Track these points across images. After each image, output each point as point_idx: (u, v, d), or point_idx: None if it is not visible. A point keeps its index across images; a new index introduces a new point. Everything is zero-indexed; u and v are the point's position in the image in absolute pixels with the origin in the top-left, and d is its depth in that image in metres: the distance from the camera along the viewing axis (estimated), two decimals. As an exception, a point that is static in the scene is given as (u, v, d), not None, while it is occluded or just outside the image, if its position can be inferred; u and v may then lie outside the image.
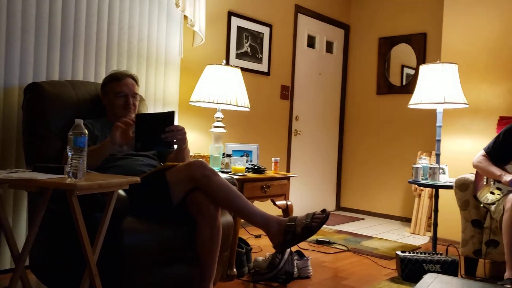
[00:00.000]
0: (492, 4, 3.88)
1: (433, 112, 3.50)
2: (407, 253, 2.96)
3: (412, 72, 5.18)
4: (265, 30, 4.54)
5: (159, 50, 3.38)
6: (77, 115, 2.40)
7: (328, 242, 3.85)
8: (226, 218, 2.36)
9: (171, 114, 2.13)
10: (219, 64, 3.31)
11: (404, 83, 5.28)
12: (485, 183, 3.01)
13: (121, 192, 1.96)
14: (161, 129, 2.11)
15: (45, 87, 2.39)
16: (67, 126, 2.32)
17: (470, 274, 3.10)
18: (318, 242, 3.85)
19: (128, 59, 3.17)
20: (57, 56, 2.78)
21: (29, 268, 2.33)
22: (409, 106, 3.49)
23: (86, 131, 1.65)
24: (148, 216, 2.08)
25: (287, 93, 4.87)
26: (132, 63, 3.19)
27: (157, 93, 3.38)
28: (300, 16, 5.02)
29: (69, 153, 1.60)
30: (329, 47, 5.55)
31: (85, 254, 1.71)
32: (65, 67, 2.82)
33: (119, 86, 2.43)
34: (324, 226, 2.98)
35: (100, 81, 2.57)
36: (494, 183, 2.94)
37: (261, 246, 3.62)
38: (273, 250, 2.83)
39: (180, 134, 2.19)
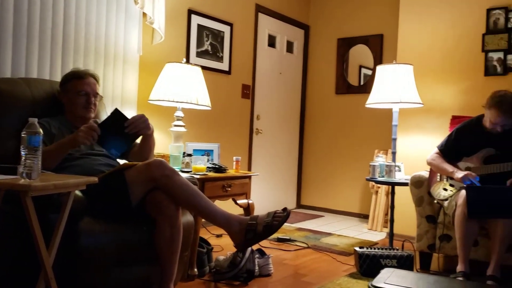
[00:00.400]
0: (446, 8, 4.03)
1: (389, 112, 3.60)
2: (365, 249, 3.04)
3: (369, 72, 5.30)
4: (225, 29, 4.53)
5: (117, 48, 3.32)
6: (32, 114, 2.32)
7: (289, 240, 3.89)
8: (186, 217, 2.34)
9: (117, 112, 2.17)
10: (179, 62, 3.28)
11: (362, 83, 5.40)
12: (438, 179, 3.12)
13: (78, 192, 1.91)
14: (121, 126, 2.14)
15: (-3, 84, 2.30)
16: (22, 125, 2.26)
17: (425, 268, 3.20)
18: (279, 240, 3.88)
19: (85, 56, 3.10)
20: (9, 53, 2.67)
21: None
22: (366, 106, 3.57)
23: (41, 130, 1.60)
24: (107, 216, 2.04)
25: (248, 92, 4.89)
26: (89, 61, 3.12)
27: (115, 92, 3.31)
28: (260, 15, 5.04)
29: (23, 152, 1.55)
30: (290, 47, 5.61)
31: (40, 256, 1.66)
32: (18, 64, 2.72)
33: (81, 84, 2.38)
34: (285, 224, 3.00)
35: (56, 78, 2.51)
36: (447, 180, 3.05)
37: (222, 245, 3.62)
38: (234, 249, 2.82)
39: (141, 122, 2.20)
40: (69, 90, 2.39)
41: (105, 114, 2.82)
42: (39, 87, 2.48)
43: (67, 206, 1.76)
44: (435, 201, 3.13)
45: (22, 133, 1.58)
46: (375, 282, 2.15)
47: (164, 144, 3.84)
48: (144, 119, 2.22)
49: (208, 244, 3.03)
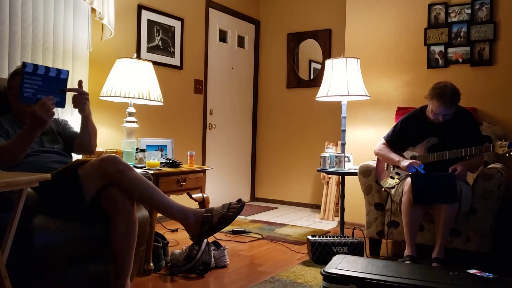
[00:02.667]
0: (390, 3, 4.19)
1: (338, 104, 3.71)
2: (317, 237, 3.14)
3: (319, 66, 5.43)
4: (176, 24, 4.52)
5: (66, 43, 3.25)
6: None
7: (244, 232, 3.96)
8: (142, 212, 2.35)
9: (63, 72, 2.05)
10: (130, 57, 3.25)
11: (312, 77, 5.52)
12: (386, 169, 3.26)
13: (30, 190, 1.89)
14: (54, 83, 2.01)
15: None
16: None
17: (375, 253, 3.34)
18: (234, 232, 3.94)
19: (33, 52, 3.02)
20: (-48, 49, 2.58)
21: None
22: (316, 99, 3.68)
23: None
24: (60, 214, 2.03)
25: (200, 87, 4.90)
26: (38, 57, 3.05)
27: (65, 88, 3.25)
28: (211, 10, 5.06)
29: (-27, 151, 1.52)
30: (241, 41, 5.65)
31: (-7, 256, 1.64)
32: (-39, 61, 2.63)
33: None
34: (239, 216, 3.06)
35: (3, 75, 2.45)
36: (393, 169, 3.19)
37: (178, 239, 3.64)
38: (190, 243, 2.86)
39: (83, 96, 2.23)
40: (11, 86, 2.34)
41: (55, 111, 2.77)
42: (-15, 84, 2.41)
43: (20, 204, 1.73)
44: (383, 189, 3.26)
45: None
46: (327, 268, 2.24)
47: (117, 140, 3.80)
48: (86, 96, 2.25)
49: (164, 238, 3.04)
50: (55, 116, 2.61)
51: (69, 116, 3.24)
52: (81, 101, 2.24)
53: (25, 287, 1.87)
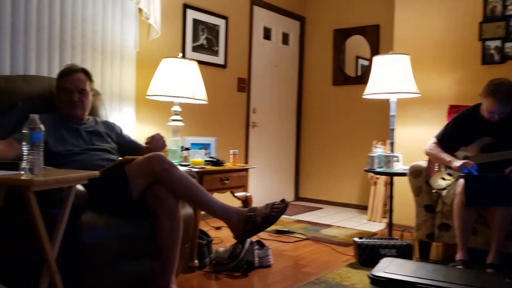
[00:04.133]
0: (440, -2, 4.04)
1: (387, 102, 3.61)
2: (364, 239, 3.06)
3: (366, 63, 5.31)
4: (221, 23, 4.53)
5: (114, 43, 3.32)
6: (30, 110, 2.33)
7: (288, 232, 3.92)
8: (186, 210, 2.36)
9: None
10: (175, 57, 3.28)
11: (359, 74, 5.41)
12: (436, 169, 3.14)
13: (79, 187, 1.92)
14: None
15: (-4, 81, 2.31)
16: (21, 121, 2.27)
17: (424, 257, 3.23)
18: (278, 232, 3.91)
19: (82, 52, 3.10)
20: (7, 50, 2.68)
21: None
22: (363, 97, 3.59)
23: (42, 126, 1.61)
24: (108, 211, 2.06)
25: (244, 85, 4.89)
26: (87, 57, 3.12)
27: (113, 87, 3.32)
28: (255, 8, 5.04)
29: (25, 148, 1.56)
30: (285, 39, 5.61)
31: (44, 251, 1.68)
32: (16, 61, 2.72)
33: (65, 81, 2.39)
34: (283, 216, 3.01)
35: (54, 75, 2.52)
36: (445, 169, 3.07)
37: (222, 237, 3.65)
38: (234, 241, 2.85)
39: (160, 140, 2.46)
40: (57, 87, 2.41)
41: (103, 110, 2.83)
42: (36, 84, 2.50)
43: (69, 200, 1.77)
44: (434, 191, 3.15)
45: (23, 129, 1.59)
46: (375, 271, 2.17)
47: (163, 138, 3.84)
48: (163, 140, 2.46)
49: (208, 236, 3.06)
50: (105, 119, 2.67)
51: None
52: (161, 143, 2.45)
53: (73, 283, 1.91)
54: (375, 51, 5.18)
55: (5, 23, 2.66)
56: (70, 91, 2.37)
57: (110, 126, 2.58)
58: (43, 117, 2.26)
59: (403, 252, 2.99)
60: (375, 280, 2.11)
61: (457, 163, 2.89)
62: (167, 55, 3.51)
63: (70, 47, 3.02)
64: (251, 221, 2.14)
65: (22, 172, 1.57)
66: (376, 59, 3.51)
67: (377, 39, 5.21)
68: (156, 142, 2.40)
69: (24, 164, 1.57)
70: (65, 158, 2.20)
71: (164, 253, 2.14)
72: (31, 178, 1.51)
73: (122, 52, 3.38)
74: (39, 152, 1.59)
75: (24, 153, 1.57)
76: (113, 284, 2.05)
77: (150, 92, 3.24)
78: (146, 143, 2.42)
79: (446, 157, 3.00)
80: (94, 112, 2.70)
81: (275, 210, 2.15)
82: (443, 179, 3.04)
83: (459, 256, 2.73)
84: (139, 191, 2.11)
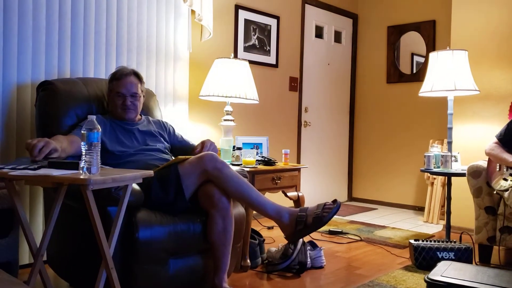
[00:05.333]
0: (502, -11, 3.84)
1: (444, 100, 3.49)
2: (420, 242, 2.96)
3: (422, 60, 5.15)
4: (272, 22, 4.53)
5: (168, 46, 3.40)
6: (88, 112, 2.44)
7: (341, 232, 3.86)
8: (238, 209, 2.38)
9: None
10: (227, 57, 3.31)
11: (414, 71, 5.25)
12: (498, 170, 2.99)
13: (135, 186, 1.98)
14: None
15: (57, 84, 2.43)
16: (79, 122, 2.38)
17: (485, 261, 3.09)
18: (331, 232, 3.86)
19: (138, 55, 3.19)
20: (68, 54, 2.81)
21: (47, 263, 2.37)
22: (419, 94, 3.48)
23: (99, 127, 1.67)
24: (162, 209, 2.11)
25: (295, 84, 4.87)
26: (142, 59, 3.22)
27: (167, 88, 3.40)
28: (307, 6, 5.00)
29: (83, 148, 1.63)
30: (338, 37, 5.53)
31: (101, 247, 1.74)
32: (76, 65, 2.85)
33: (118, 86, 2.44)
34: (336, 216, 3.00)
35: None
36: (507, 170, 2.92)
37: (274, 237, 3.65)
38: (286, 241, 2.84)
39: (212, 147, 2.49)
40: (110, 90, 2.48)
41: (158, 110, 2.90)
42: (94, 86, 2.59)
43: (125, 198, 1.83)
44: (495, 192, 3.00)
45: (82, 130, 1.65)
46: (432, 275, 2.09)
47: (215, 138, 3.90)
48: (214, 145, 2.50)
49: (260, 235, 3.06)
50: (159, 119, 2.75)
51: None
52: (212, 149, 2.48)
53: (128, 279, 1.97)
54: (431, 47, 5.01)
55: (66, 29, 2.79)
56: (122, 96, 2.44)
57: (163, 126, 2.64)
58: (100, 118, 2.36)
59: (462, 256, 2.88)
60: (432, 284, 2.04)
61: (521, 163, 2.74)
62: (219, 55, 3.56)
63: (126, 50, 3.12)
64: (302, 221, 2.13)
65: (81, 172, 1.64)
66: (432, 56, 3.39)
67: (433, 35, 5.03)
68: (206, 151, 2.38)
69: (82, 164, 1.63)
70: (121, 159, 2.27)
71: (216, 251, 2.17)
72: (89, 178, 1.57)
73: (175, 54, 3.45)
74: (97, 152, 1.65)
75: (82, 153, 1.63)
76: (167, 280, 2.09)
77: (203, 92, 3.30)
78: (196, 151, 2.43)
79: (509, 157, 2.86)
80: (149, 112, 2.78)
81: (327, 211, 2.12)
82: (505, 180, 2.89)
83: (523, 261, 2.60)
84: (191, 190, 2.14)
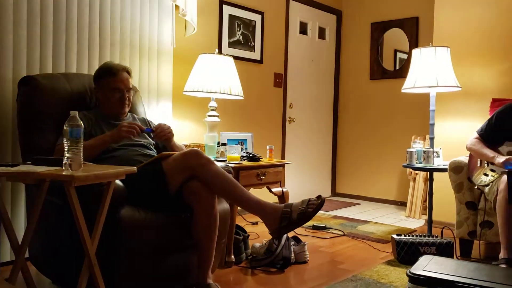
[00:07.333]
0: (483, -13, 3.89)
1: (426, 96, 3.53)
2: (402, 236, 3.00)
3: (405, 56, 5.20)
4: (257, 18, 4.53)
5: (151, 41, 3.37)
6: (71, 107, 2.40)
7: (324, 228, 3.89)
8: (223, 205, 2.38)
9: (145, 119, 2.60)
10: (211, 53, 3.30)
11: (397, 68, 5.30)
12: (479, 165, 3.04)
13: (118, 182, 1.97)
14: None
15: (39, 80, 2.39)
16: (62, 118, 2.34)
17: (465, 255, 3.14)
18: (314, 227, 3.89)
19: (121, 50, 3.16)
20: (50, 49, 2.77)
21: (29, 260, 2.34)
22: (402, 91, 3.51)
23: (82, 123, 1.66)
24: (146, 205, 2.09)
25: (280, 80, 4.88)
26: (125, 54, 3.19)
27: (151, 84, 3.37)
28: (291, 2, 5.01)
29: (66, 145, 1.61)
30: (322, 33, 5.55)
31: (84, 244, 1.73)
32: (58, 60, 2.81)
33: (115, 82, 2.42)
34: (320, 211, 3.00)
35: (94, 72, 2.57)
36: (487, 165, 2.97)
37: (258, 232, 3.66)
38: (270, 237, 2.86)
39: (167, 129, 2.41)
40: (104, 86, 2.44)
41: (141, 106, 2.89)
42: (77, 81, 2.56)
43: (108, 195, 1.82)
44: (476, 187, 3.06)
45: (64, 126, 1.63)
46: (414, 269, 2.12)
47: (199, 134, 3.89)
48: (170, 128, 2.42)
49: (244, 231, 3.07)
50: (143, 116, 2.73)
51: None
52: (168, 132, 2.41)
53: (112, 276, 1.96)
54: (414, 44, 5.06)
55: (48, 23, 2.75)
56: (120, 91, 2.43)
57: (147, 124, 2.63)
58: (85, 114, 2.34)
59: (443, 250, 2.92)
60: (414, 278, 2.07)
61: (501, 158, 2.78)
62: (204, 51, 3.54)
63: (109, 45, 3.08)
64: (287, 217, 2.13)
65: (64, 168, 1.62)
66: (415, 52, 3.43)
67: (416, 32, 5.08)
68: (162, 129, 2.38)
69: (65, 160, 1.61)
70: (105, 154, 2.25)
71: (200, 247, 2.17)
72: (72, 174, 1.55)
73: (159, 49, 3.43)
74: (79, 148, 1.63)
75: (65, 149, 1.61)
76: (151, 277, 2.09)
77: (187, 88, 3.28)
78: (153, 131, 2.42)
79: (489, 152, 2.90)
80: (132, 108, 2.75)
81: (311, 206, 2.13)
82: (486, 175, 2.94)
83: (502, 254, 2.64)
84: (176, 186, 2.14)
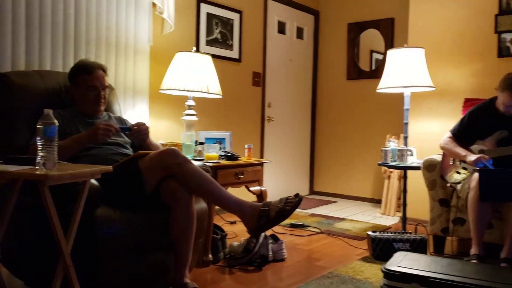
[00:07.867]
0: (457, -11, 3.97)
1: (401, 96, 3.58)
2: (377, 233, 3.05)
3: (381, 57, 5.26)
4: (235, 17, 4.52)
5: (128, 38, 3.34)
6: (46, 105, 2.36)
7: (302, 225, 3.92)
8: (200, 205, 2.37)
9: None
10: (189, 51, 3.29)
11: (373, 68, 5.36)
12: (451, 163, 3.11)
13: (93, 181, 1.95)
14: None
15: (12, 77, 2.34)
16: (36, 116, 2.30)
17: (439, 251, 3.21)
18: (292, 225, 3.91)
19: (97, 47, 3.13)
20: (23, 46, 2.71)
21: (0, 262, 2.30)
22: (377, 91, 3.56)
23: (56, 121, 1.63)
24: (122, 205, 2.08)
25: (258, 79, 4.89)
26: (101, 52, 3.15)
27: (127, 82, 3.34)
28: (270, 2, 5.02)
29: (39, 143, 1.59)
30: (300, 33, 5.58)
31: (59, 244, 1.70)
32: (31, 57, 2.76)
33: (91, 79, 2.39)
34: (297, 210, 3.04)
35: (69, 70, 2.53)
36: (460, 163, 3.04)
37: (236, 232, 3.66)
38: (248, 235, 2.86)
39: (145, 128, 2.37)
40: (79, 84, 2.41)
41: (117, 105, 2.86)
42: (52, 79, 2.52)
43: (83, 194, 1.80)
44: (448, 185, 3.12)
45: (37, 124, 1.61)
46: (388, 265, 2.16)
47: (176, 133, 3.87)
48: (146, 126, 2.38)
49: (222, 230, 3.07)
50: (119, 115, 2.71)
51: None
52: (145, 131, 2.37)
53: (87, 276, 1.94)
54: (390, 45, 5.13)
55: (20, 19, 2.69)
56: (96, 89, 2.40)
57: (123, 122, 2.61)
58: (60, 112, 2.30)
59: (417, 246, 2.98)
60: (388, 274, 2.11)
61: (472, 157, 2.86)
62: (181, 49, 3.53)
63: (84, 43, 3.05)
64: (265, 216, 2.14)
65: (37, 167, 1.60)
66: (390, 53, 3.47)
67: (391, 33, 5.16)
68: (139, 129, 2.34)
69: (38, 159, 1.59)
70: (80, 152, 2.22)
71: (178, 247, 2.16)
72: (46, 173, 1.53)
73: (136, 47, 3.40)
74: (54, 147, 1.61)
75: (39, 148, 1.59)
76: (128, 277, 2.07)
77: (164, 86, 3.26)
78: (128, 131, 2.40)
79: (461, 151, 2.97)
80: (108, 107, 2.72)
81: (289, 205, 2.15)
82: (458, 173, 3.01)
83: (473, 250, 2.71)
84: (152, 185, 2.13)
